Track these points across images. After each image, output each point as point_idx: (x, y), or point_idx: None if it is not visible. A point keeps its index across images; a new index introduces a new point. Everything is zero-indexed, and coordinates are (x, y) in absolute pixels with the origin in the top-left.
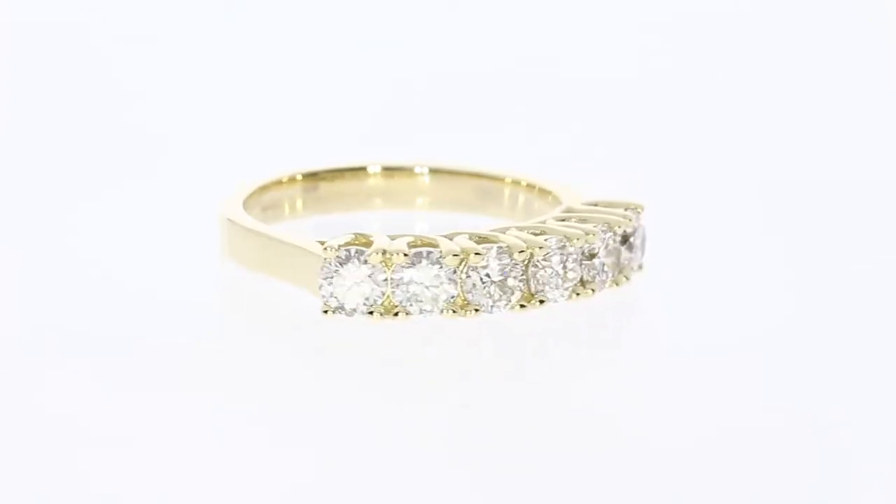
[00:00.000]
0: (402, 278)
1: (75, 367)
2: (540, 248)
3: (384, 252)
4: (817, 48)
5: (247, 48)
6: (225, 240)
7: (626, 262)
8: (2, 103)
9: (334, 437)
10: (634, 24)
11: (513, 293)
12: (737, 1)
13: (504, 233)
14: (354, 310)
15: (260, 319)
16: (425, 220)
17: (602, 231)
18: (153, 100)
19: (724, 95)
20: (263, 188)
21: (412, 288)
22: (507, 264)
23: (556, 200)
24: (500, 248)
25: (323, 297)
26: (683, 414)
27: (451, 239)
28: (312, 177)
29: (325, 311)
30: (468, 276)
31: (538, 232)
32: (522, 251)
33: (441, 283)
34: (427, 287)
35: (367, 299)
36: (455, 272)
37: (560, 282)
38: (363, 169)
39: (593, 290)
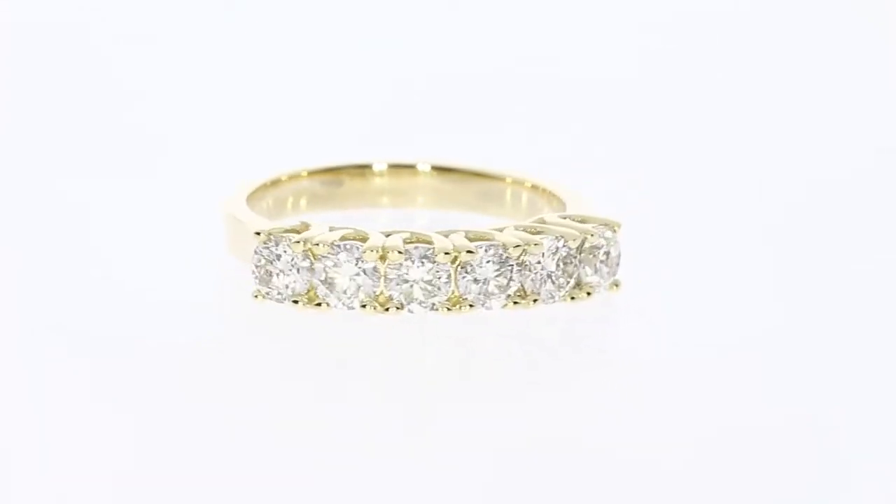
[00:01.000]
0: (323, 268)
1: (76, 367)
2: (469, 252)
3: (305, 241)
4: (814, 50)
5: (249, 47)
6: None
7: (589, 278)
8: (1, 103)
9: (334, 438)
10: (634, 24)
11: (436, 297)
12: (737, 1)
13: (447, 236)
14: (281, 296)
15: (261, 318)
16: (428, 217)
17: (552, 241)
18: (155, 99)
19: (723, 96)
20: (266, 186)
21: (336, 280)
22: (431, 269)
23: (561, 204)
24: (428, 251)
25: (254, 281)
26: (654, 423)
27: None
28: (317, 174)
29: (256, 296)
30: (391, 274)
31: (488, 238)
32: (448, 252)
33: (359, 275)
34: (350, 279)
35: (287, 287)
36: (375, 268)
37: (494, 288)
38: (368, 167)
39: (535, 301)
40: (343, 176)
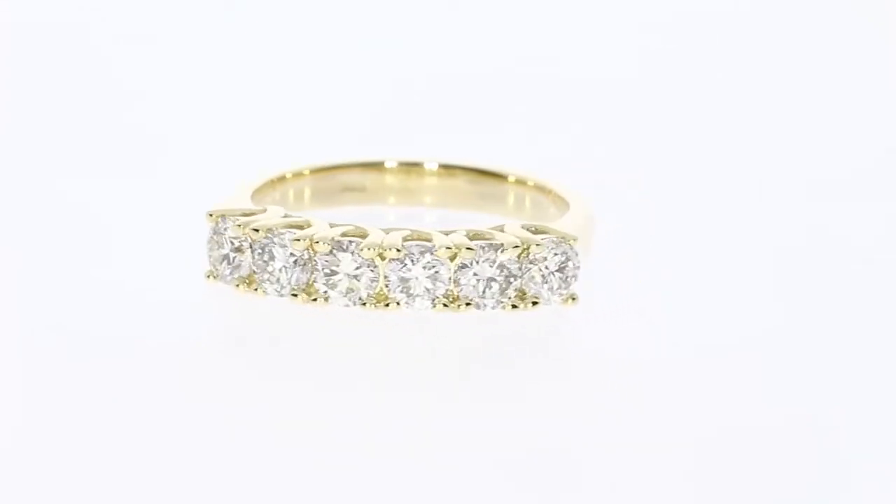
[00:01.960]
0: (260, 253)
1: (75, 367)
2: (397, 250)
3: (241, 226)
4: (813, 49)
5: (248, 48)
6: None
7: (534, 289)
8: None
9: (328, 438)
10: (634, 24)
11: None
12: (737, 1)
13: (388, 233)
14: (220, 275)
15: (260, 317)
16: (433, 216)
17: (485, 249)
18: (155, 99)
19: (723, 95)
20: (273, 182)
21: (270, 267)
22: (360, 263)
23: (565, 205)
24: (357, 245)
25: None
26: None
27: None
28: (320, 172)
29: (208, 276)
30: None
31: (426, 238)
32: (370, 248)
33: (290, 265)
34: (283, 269)
35: (233, 270)
36: (306, 257)
37: (422, 290)
38: (379, 164)
39: (468, 305)
40: (349, 173)
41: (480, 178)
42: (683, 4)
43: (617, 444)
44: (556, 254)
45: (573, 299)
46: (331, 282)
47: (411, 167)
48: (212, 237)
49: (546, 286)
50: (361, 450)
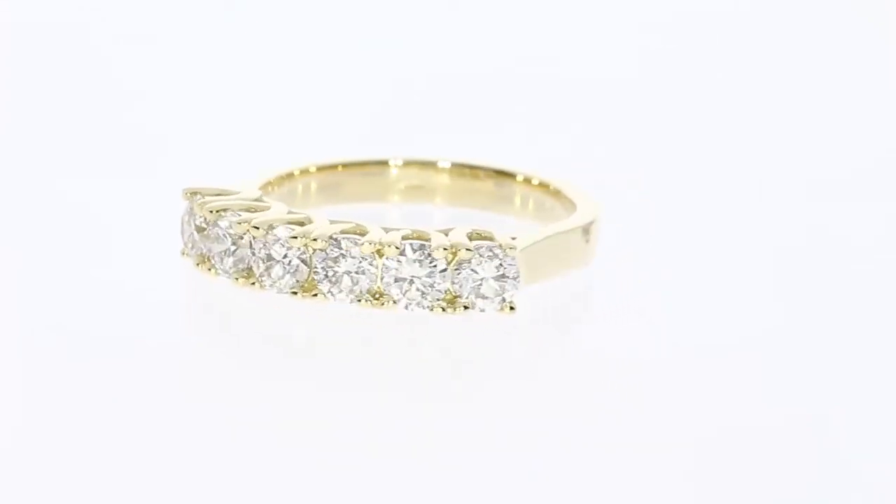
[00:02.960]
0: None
1: (75, 367)
2: (322, 241)
3: (202, 206)
4: (812, 47)
5: (252, 47)
6: None
7: (466, 294)
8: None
9: (316, 437)
10: (634, 24)
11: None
12: (737, 1)
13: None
14: (189, 253)
15: (261, 317)
16: (441, 214)
17: (418, 249)
18: (155, 98)
19: (723, 94)
20: (281, 178)
21: (204, 243)
22: (288, 253)
23: (572, 206)
24: (287, 233)
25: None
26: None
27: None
28: (326, 169)
29: (182, 253)
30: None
31: (359, 232)
32: (296, 237)
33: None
34: (224, 254)
35: (185, 244)
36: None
37: (342, 285)
38: (384, 163)
39: (394, 304)
40: (354, 171)
41: (489, 178)
42: (685, 4)
43: (617, 443)
44: (491, 261)
45: (511, 308)
46: (263, 267)
47: (418, 165)
48: (185, 214)
49: (478, 293)
50: (361, 450)
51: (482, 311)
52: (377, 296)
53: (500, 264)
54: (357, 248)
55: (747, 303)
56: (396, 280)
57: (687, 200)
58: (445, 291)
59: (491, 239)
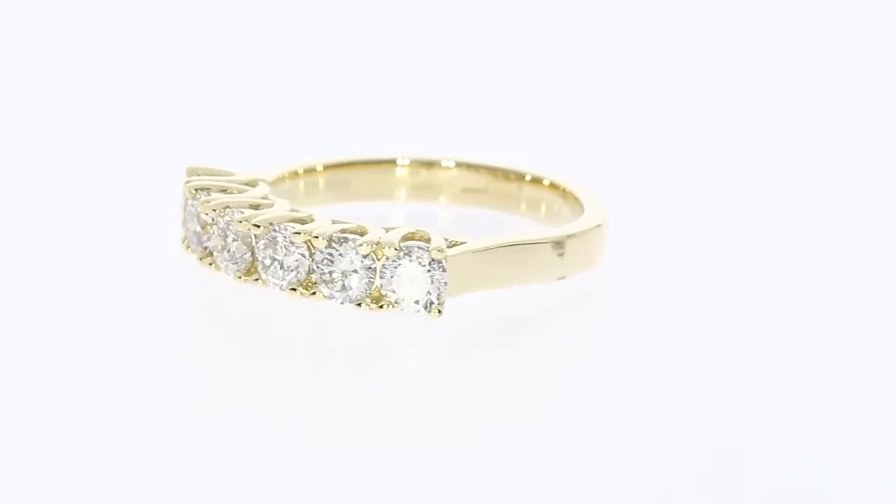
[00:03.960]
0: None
1: (74, 366)
2: (256, 226)
3: (244, 220)
4: (811, 45)
5: (258, 45)
6: None
7: (385, 293)
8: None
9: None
10: (634, 24)
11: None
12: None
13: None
14: (188, 248)
15: (260, 317)
16: (448, 213)
17: (346, 243)
18: (154, 98)
19: (725, 93)
20: (283, 178)
21: (207, 239)
22: (232, 237)
23: (580, 207)
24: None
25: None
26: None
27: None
28: (332, 168)
29: (184, 246)
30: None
31: (302, 220)
32: (242, 222)
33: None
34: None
35: (184, 238)
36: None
37: (277, 268)
38: (391, 162)
39: (324, 295)
40: (359, 169)
41: (496, 177)
42: (692, 4)
43: (615, 441)
44: (419, 264)
45: (439, 312)
46: (215, 250)
47: (425, 165)
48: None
49: (402, 294)
50: (347, 441)
51: (405, 311)
52: (308, 286)
53: (429, 268)
54: (298, 237)
55: (749, 302)
56: (330, 273)
57: (687, 200)
58: (374, 288)
59: (426, 241)
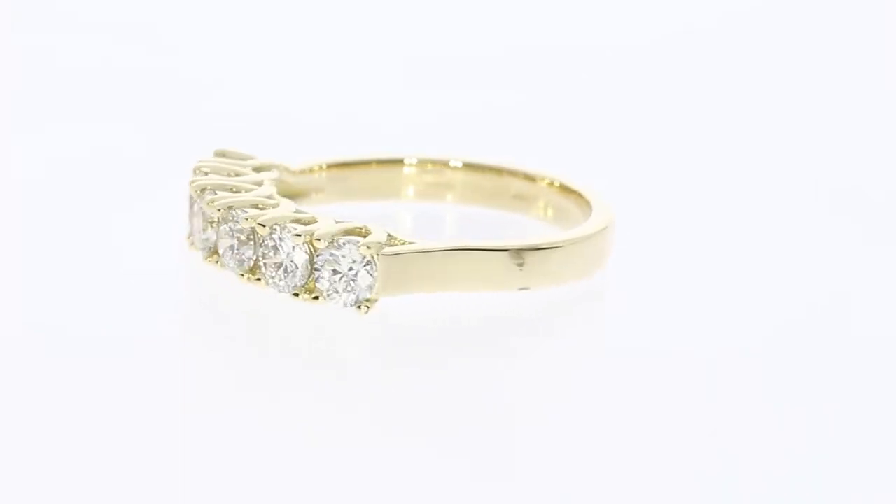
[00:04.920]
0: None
1: (74, 366)
2: (223, 211)
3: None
4: (811, 45)
5: (264, 43)
6: None
7: (319, 284)
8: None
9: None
10: (638, 26)
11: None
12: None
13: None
14: (193, 244)
15: (260, 316)
16: (454, 213)
17: (290, 233)
18: (155, 97)
19: (728, 93)
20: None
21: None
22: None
23: (588, 207)
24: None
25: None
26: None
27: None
28: (338, 167)
29: (189, 243)
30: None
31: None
32: (212, 203)
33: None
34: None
35: (189, 234)
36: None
37: (231, 261)
38: (398, 161)
39: (259, 280)
40: (363, 168)
41: (503, 177)
42: (695, 7)
43: (615, 439)
44: (352, 258)
45: (367, 307)
46: (202, 243)
47: (432, 164)
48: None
49: (334, 286)
50: (336, 439)
51: (335, 304)
52: (253, 271)
53: (363, 264)
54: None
55: (751, 302)
56: (273, 262)
57: (689, 200)
58: (307, 279)
59: (363, 236)
